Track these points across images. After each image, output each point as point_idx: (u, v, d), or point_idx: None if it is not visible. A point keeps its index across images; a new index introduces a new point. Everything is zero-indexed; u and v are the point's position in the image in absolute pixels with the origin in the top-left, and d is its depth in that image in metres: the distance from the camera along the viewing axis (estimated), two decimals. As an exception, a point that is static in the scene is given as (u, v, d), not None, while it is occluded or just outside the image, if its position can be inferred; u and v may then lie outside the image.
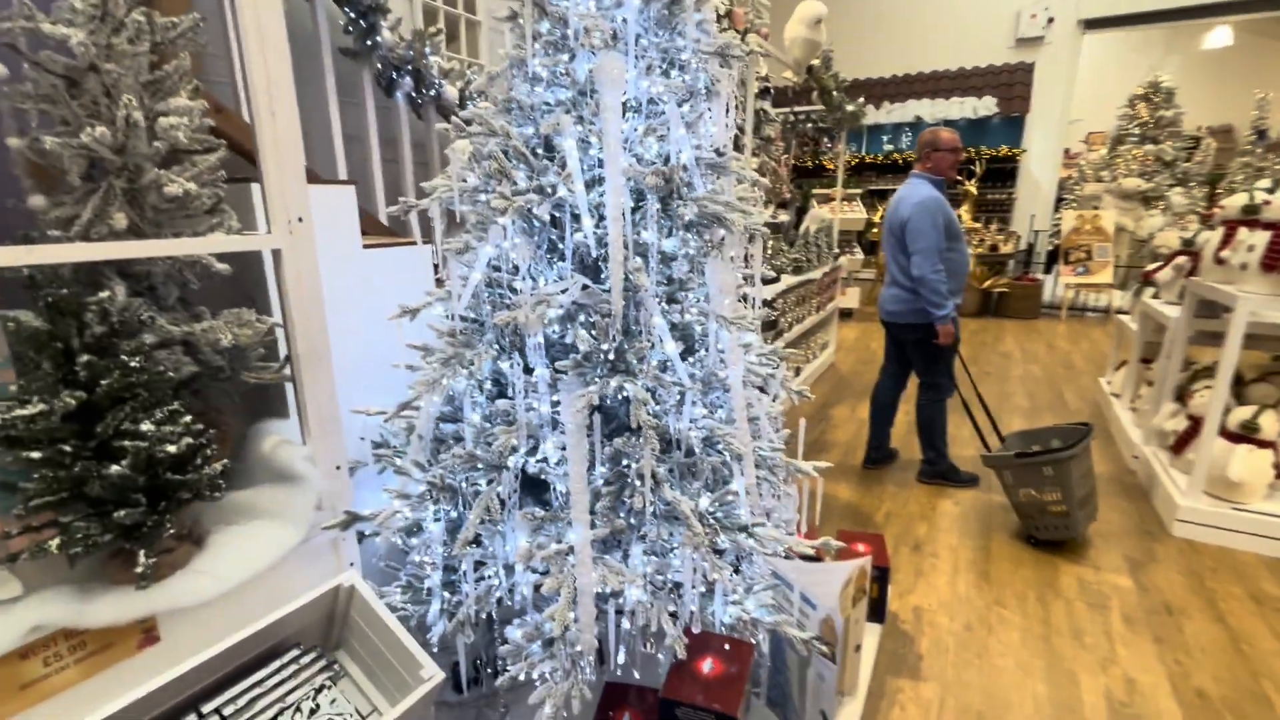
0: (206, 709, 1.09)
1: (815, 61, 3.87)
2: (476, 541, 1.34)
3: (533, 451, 1.32)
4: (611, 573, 1.23)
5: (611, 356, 1.26)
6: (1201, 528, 2.64)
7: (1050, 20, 9.16)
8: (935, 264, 2.87)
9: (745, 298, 1.73)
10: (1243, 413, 2.61)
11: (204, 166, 1.25)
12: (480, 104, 1.41)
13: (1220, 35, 10.93)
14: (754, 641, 1.35)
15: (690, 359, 1.43)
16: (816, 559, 1.85)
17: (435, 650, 1.30)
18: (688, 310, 1.37)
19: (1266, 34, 12.28)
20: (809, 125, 5.23)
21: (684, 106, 1.41)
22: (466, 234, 1.33)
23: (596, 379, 1.24)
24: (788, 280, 3.96)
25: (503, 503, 1.30)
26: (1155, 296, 3.71)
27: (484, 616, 1.37)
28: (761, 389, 1.54)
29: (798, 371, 4.67)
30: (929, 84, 9.91)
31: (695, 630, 1.31)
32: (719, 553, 1.43)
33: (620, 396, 1.23)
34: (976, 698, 1.82)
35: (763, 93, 4.02)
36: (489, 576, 1.35)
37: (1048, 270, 8.84)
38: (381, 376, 1.63)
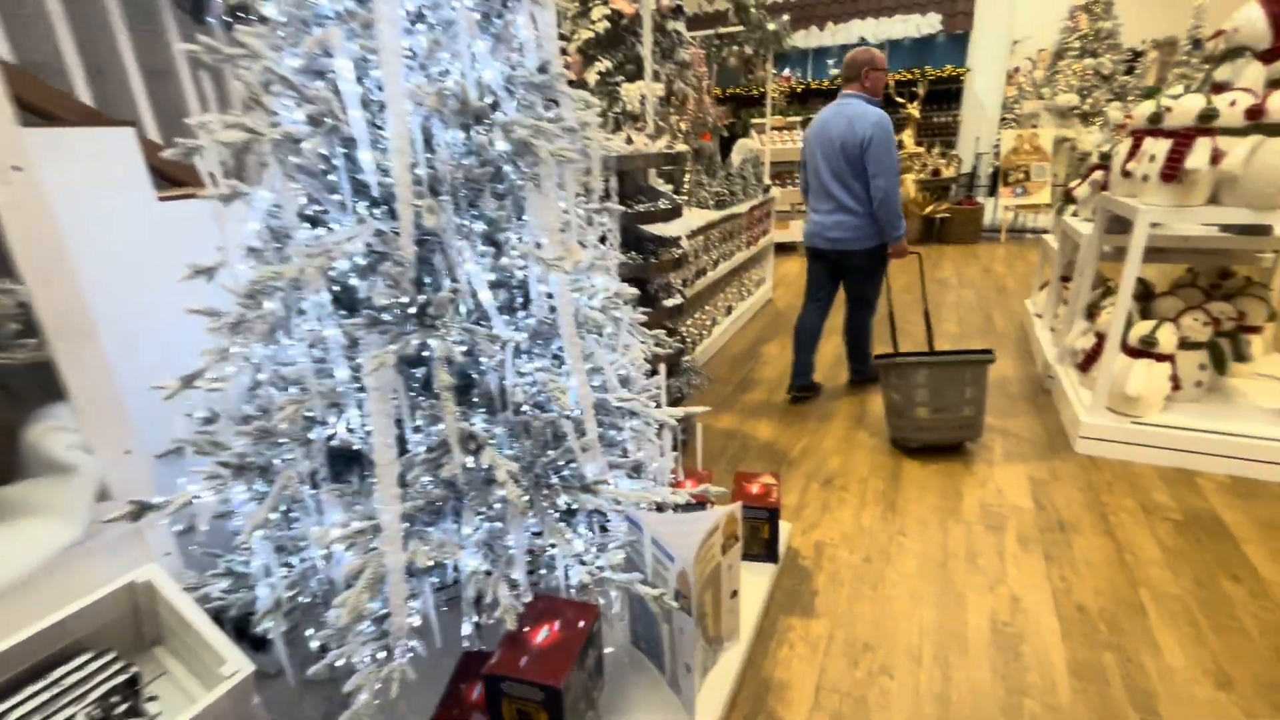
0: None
1: (726, -26, 3.59)
2: (289, 522, 1.22)
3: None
4: (433, 546, 1.13)
5: (414, 310, 1.12)
6: (1103, 443, 2.68)
7: (993, -72, 8.78)
8: (897, 183, 2.90)
9: (604, 238, 1.59)
10: (1142, 327, 2.61)
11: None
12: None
13: (1163, -60, 10.67)
14: (599, 603, 1.28)
15: (528, 309, 1.30)
16: (701, 506, 1.79)
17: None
18: (508, 253, 1.23)
19: (1210, -61, 12.08)
20: (735, 48, 4.95)
21: (495, 18, 1.22)
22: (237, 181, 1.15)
23: (400, 336, 1.10)
24: (708, 215, 3.80)
25: (315, 479, 1.17)
26: (1075, 214, 3.68)
27: (312, 599, 1.26)
28: (599, 334, 1.42)
29: (729, 310, 4.58)
30: (872, 1, 9.53)
31: (527, 599, 1.23)
32: (571, 513, 1.34)
33: (428, 354, 1.10)
34: (865, 630, 1.82)
35: (675, 11, 3.74)
36: (309, 559, 1.24)
37: (992, 193, 8.83)
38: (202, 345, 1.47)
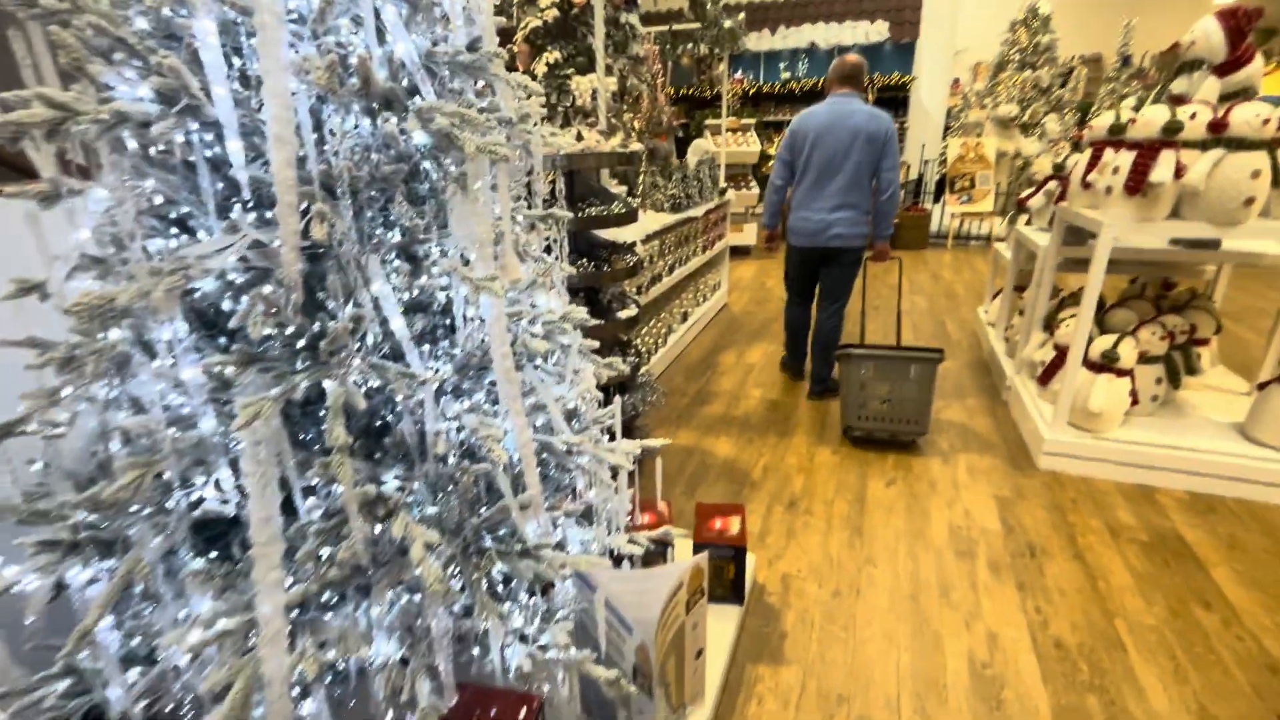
0: None
1: (682, -34, 3.42)
2: (147, 601, 0.96)
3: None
4: (332, 641, 0.89)
5: (303, 343, 0.88)
6: (1066, 459, 2.63)
7: (939, -60, 8.95)
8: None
9: (550, 249, 1.37)
10: (1103, 342, 2.57)
11: None
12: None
13: (1093, -38, 11.16)
14: (542, 691, 1.07)
15: (454, 339, 1.07)
16: (663, 550, 1.60)
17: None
18: (428, 270, 1.00)
19: (1134, -37, 12.74)
20: (690, 46, 4.79)
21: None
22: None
23: (286, 374, 0.86)
24: (664, 219, 3.62)
25: (174, 558, 0.92)
26: (1029, 223, 3.68)
27: (176, 708, 1.00)
28: (543, 363, 1.21)
29: (685, 316, 4.42)
30: (823, 7, 9.60)
31: (454, 692, 1.01)
32: (506, 582, 1.13)
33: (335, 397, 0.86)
34: (839, 678, 1.67)
35: (628, 3, 3.54)
36: (169, 657, 0.98)
37: (937, 199, 9.00)
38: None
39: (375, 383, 0.95)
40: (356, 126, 0.94)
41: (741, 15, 4.56)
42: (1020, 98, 8.56)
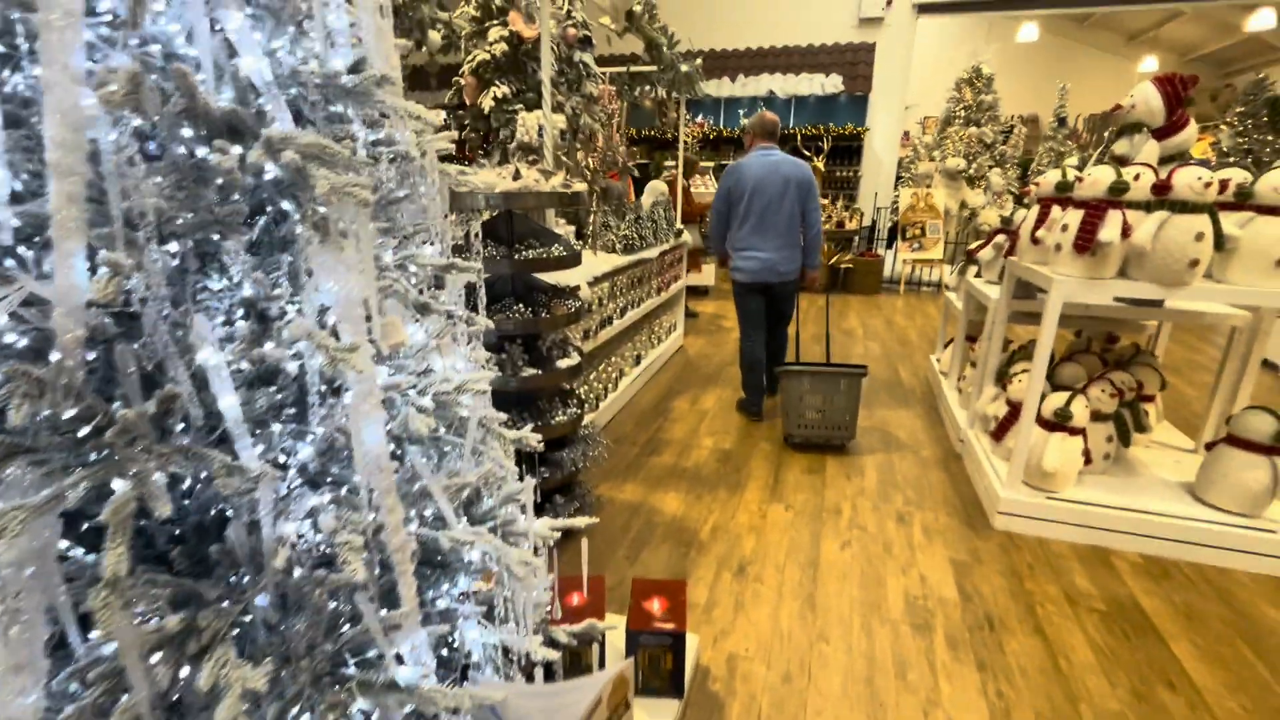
0: None
1: (636, 7, 3.39)
2: None
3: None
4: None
5: (88, 431, 0.68)
6: (1021, 519, 2.55)
7: (889, 2, 9.39)
8: None
9: (472, 300, 1.20)
10: (1056, 400, 2.52)
11: None
12: None
13: (1029, 31, 11.93)
14: None
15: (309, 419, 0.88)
16: (589, 641, 1.40)
17: None
18: (276, 335, 0.81)
19: (1066, 34, 13.71)
20: (648, 88, 4.78)
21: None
22: None
23: (70, 469, 0.65)
24: (615, 260, 3.50)
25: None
26: (978, 275, 3.69)
27: None
28: (437, 440, 1.02)
29: (638, 359, 4.27)
30: (781, 59, 9.90)
31: None
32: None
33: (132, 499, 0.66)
34: (786, 785, 1.48)
35: (582, 42, 3.48)
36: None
37: (890, 246, 9.22)
38: None
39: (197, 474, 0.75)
40: (192, 156, 0.76)
41: (699, 61, 4.57)
42: (966, 152, 8.92)
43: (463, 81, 3.14)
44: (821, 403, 3.20)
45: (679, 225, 4.97)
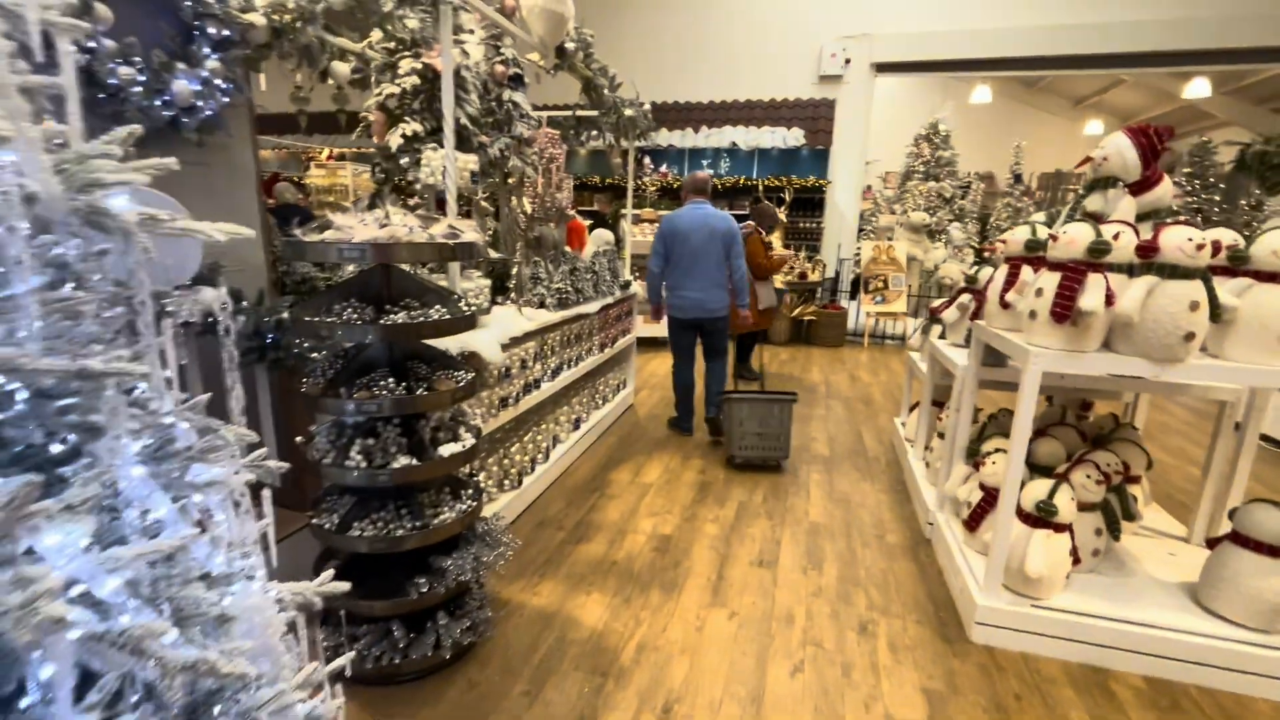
0: None
1: (569, 45, 3.11)
2: None
3: None
4: None
5: None
6: (1003, 631, 2.16)
7: (848, 61, 9.53)
8: None
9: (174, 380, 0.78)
10: (1037, 490, 2.17)
11: None
12: None
13: (982, 93, 12.31)
14: None
15: None
16: None
17: None
18: None
19: (1017, 98, 14.26)
20: (594, 133, 4.51)
21: None
22: None
23: None
24: (544, 317, 3.11)
25: None
26: (942, 336, 3.40)
27: None
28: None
29: (578, 423, 3.84)
30: (744, 112, 9.93)
31: None
32: None
33: None
34: None
35: (513, 80, 3.19)
36: None
37: (853, 297, 9.09)
38: None
39: None
40: None
41: (646, 105, 4.34)
42: (926, 206, 8.93)
43: (370, 118, 2.78)
44: (759, 426, 3.62)
45: (626, 276, 4.64)
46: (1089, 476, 2.29)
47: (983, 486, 2.48)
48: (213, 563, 0.84)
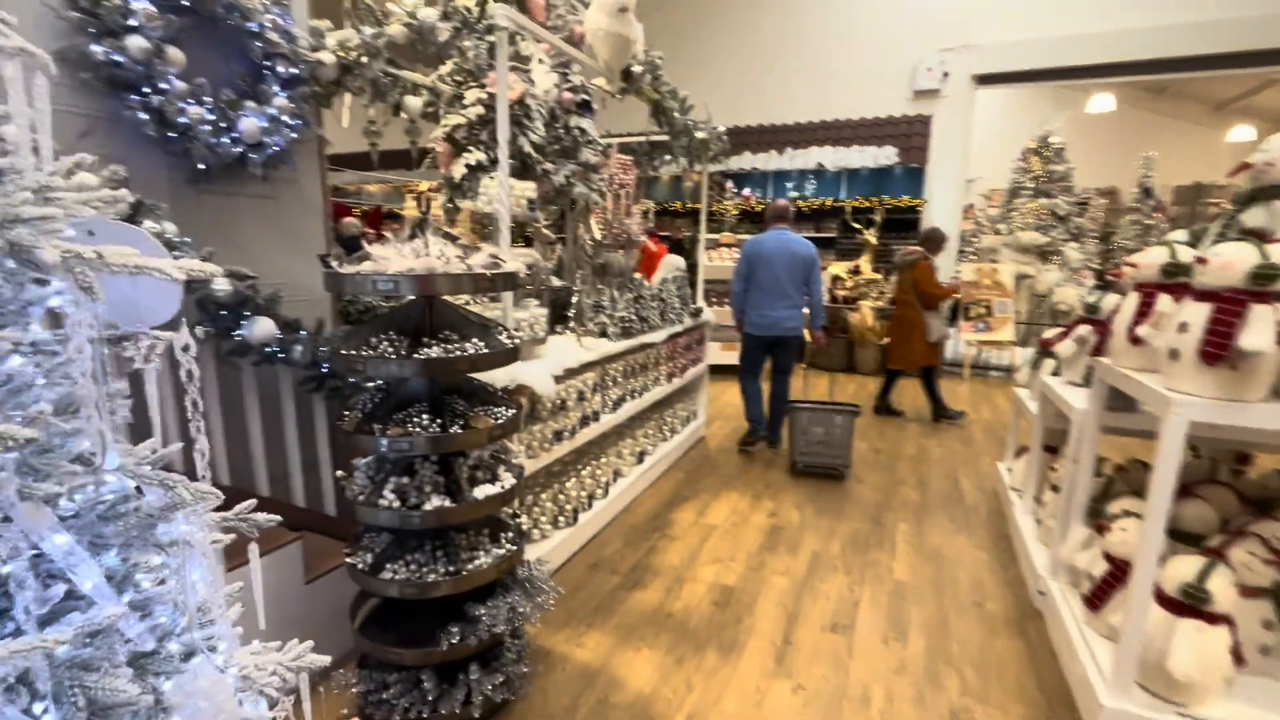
0: None
1: (635, 68, 3.03)
2: None
3: None
4: None
5: None
6: (1136, 742, 1.75)
7: (946, 74, 9.01)
8: None
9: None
10: (1183, 568, 1.76)
11: None
12: None
13: (1103, 101, 11.24)
14: None
15: None
16: None
17: None
18: None
19: (1144, 106, 12.91)
20: (668, 157, 4.41)
21: None
22: None
23: None
24: (605, 347, 3.00)
25: None
26: (1056, 373, 2.97)
27: None
28: None
29: (641, 457, 3.68)
30: (831, 132, 9.60)
31: None
32: None
33: None
34: None
35: (580, 107, 3.14)
36: None
37: (952, 323, 8.41)
38: None
39: None
40: None
41: (720, 128, 4.19)
42: (1037, 225, 8.16)
43: (437, 149, 2.81)
44: (822, 434, 3.81)
45: (699, 303, 4.46)
46: (1254, 554, 1.85)
47: (1108, 557, 2.07)
48: (147, 641, 0.74)
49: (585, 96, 3.18)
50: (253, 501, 1.00)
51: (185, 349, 0.82)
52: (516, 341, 1.85)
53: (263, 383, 2.13)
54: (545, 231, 2.95)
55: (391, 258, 1.60)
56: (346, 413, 1.81)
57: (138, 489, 0.79)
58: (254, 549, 1.02)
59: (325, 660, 0.98)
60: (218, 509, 1.67)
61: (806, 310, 4.18)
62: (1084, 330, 2.65)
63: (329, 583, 2.06)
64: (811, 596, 2.59)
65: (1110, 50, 7.68)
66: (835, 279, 8.17)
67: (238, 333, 1.94)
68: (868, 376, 7.14)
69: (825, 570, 2.80)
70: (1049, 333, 3.34)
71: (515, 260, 1.79)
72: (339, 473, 1.86)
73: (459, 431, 1.69)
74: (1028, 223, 8.28)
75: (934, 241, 5.22)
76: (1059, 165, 8.42)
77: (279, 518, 1.05)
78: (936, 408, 5.26)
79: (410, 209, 10.01)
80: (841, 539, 3.10)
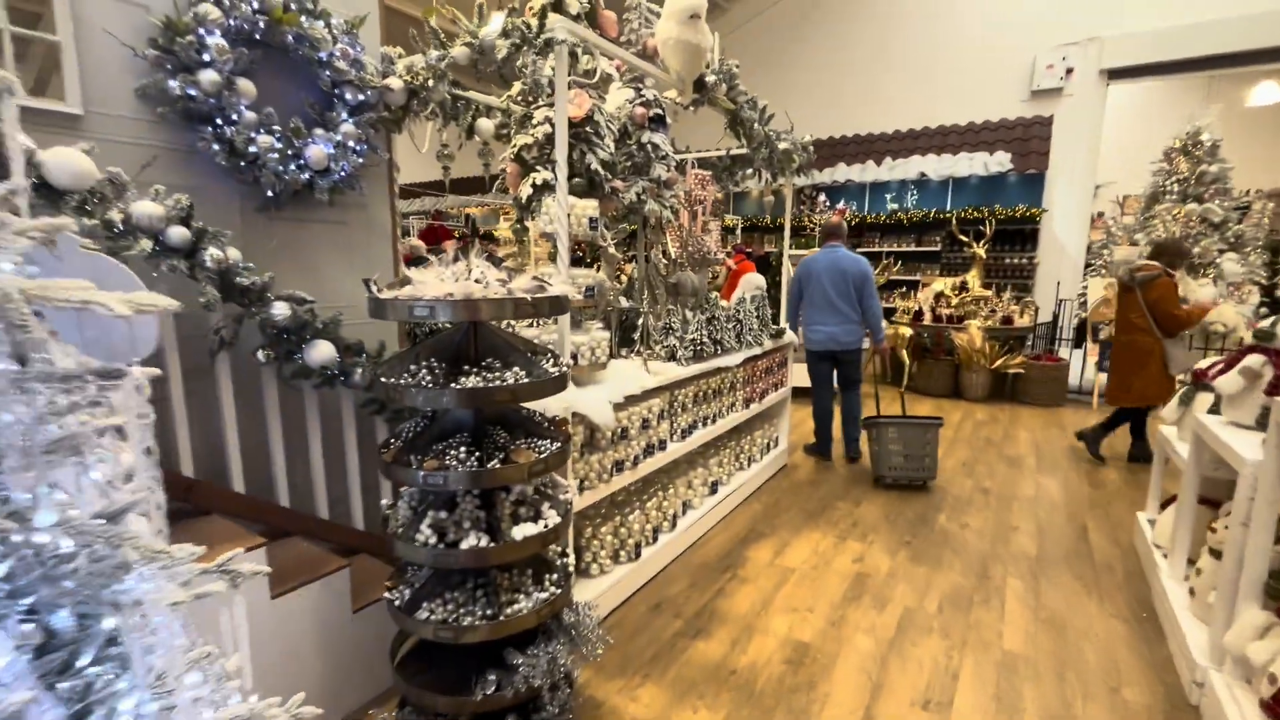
0: None
1: (710, 77, 2.87)
2: None
3: None
4: None
5: None
6: None
7: (1069, 70, 8.21)
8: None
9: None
10: None
11: None
12: None
13: (1267, 91, 9.78)
14: None
15: None
16: None
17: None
18: None
19: (1319, 90, 11.12)
20: (749, 171, 4.21)
21: None
22: None
23: None
24: (673, 372, 2.83)
25: None
26: (1214, 410, 2.46)
27: None
28: None
29: (715, 488, 3.46)
30: (935, 139, 8.99)
31: None
32: None
33: None
34: None
35: (654, 121, 3.03)
36: None
37: (1077, 346, 7.49)
38: None
39: None
40: None
41: (807, 137, 3.94)
42: (1184, 234, 7.13)
43: (506, 169, 2.79)
44: (904, 448, 3.80)
45: (781, 324, 4.20)
46: None
47: (1297, 654, 1.62)
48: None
49: (659, 111, 3.06)
50: (238, 551, 0.92)
51: (138, 388, 0.75)
52: (564, 369, 1.73)
53: (324, 405, 2.14)
54: (613, 252, 2.84)
55: (430, 281, 1.53)
56: (392, 440, 1.76)
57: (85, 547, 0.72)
58: (239, 602, 0.94)
59: (317, 713, 0.88)
60: (250, 548, 1.62)
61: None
62: (1255, 361, 2.17)
63: (377, 612, 2.02)
64: (901, 662, 2.26)
65: (1272, 34, 6.64)
66: (938, 296, 7.53)
67: (298, 355, 1.95)
68: (974, 403, 6.49)
69: (918, 631, 2.45)
70: (1203, 361, 2.80)
71: (564, 283, 1.68)
72: (384, 501, 1.81)
73: (497, 466, 1.58)
74: (1171, 231, 7.25)
75: (1177, 254, 4.36)
76: (1212, 165, 7.33)
77: (268, 569, 0.97)
78: (1138, 445, 4.51)
79: (504, 229, 10.39)
80: (939, 593, 2.72)
